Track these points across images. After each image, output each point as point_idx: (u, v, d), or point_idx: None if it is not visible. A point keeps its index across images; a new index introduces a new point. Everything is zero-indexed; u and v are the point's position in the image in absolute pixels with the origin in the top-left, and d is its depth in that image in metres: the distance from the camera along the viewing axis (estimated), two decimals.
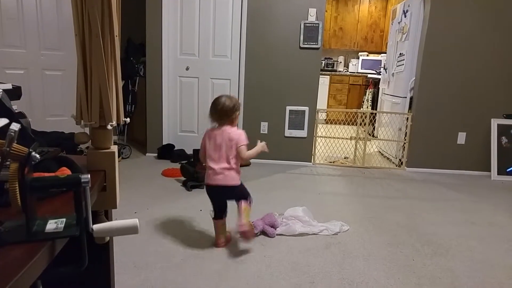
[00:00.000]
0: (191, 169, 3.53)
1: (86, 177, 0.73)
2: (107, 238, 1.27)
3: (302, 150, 4.58)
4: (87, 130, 1.15)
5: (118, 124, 1.18)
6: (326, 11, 7.68)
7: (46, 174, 0.86)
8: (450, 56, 4.31)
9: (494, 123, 4.41)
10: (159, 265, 2.15)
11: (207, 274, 2.09)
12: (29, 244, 0.66)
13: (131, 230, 0.82)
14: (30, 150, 0.69)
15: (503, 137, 4.40)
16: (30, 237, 0.68)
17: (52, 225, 0.72)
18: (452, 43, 4.29)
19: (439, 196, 3.65)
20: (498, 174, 4.35)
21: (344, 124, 4.81)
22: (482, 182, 4.22)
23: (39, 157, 0.70)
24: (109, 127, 1.11)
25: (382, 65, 6.12)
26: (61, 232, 0.71)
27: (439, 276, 2.18)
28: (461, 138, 4.47)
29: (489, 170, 4.40)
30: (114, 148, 1.15)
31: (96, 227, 0.78)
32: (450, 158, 4.51)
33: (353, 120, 4.78)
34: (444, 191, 3.84)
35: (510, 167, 4.37)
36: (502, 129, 4.41)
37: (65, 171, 0.94)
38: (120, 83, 1.16)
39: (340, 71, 8.32)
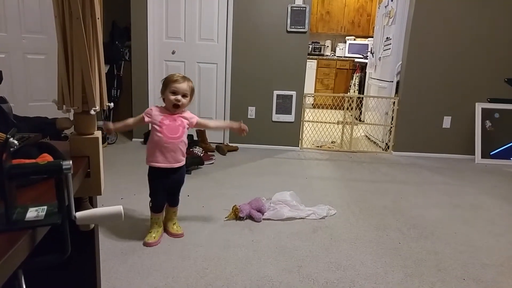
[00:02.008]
0: None
1: (68, 163, 0.70)
2: (92, 225, 1.25)
3: (290, 135, 4.58)
4: (70, 115, 1.12)
5: (103, 110, 1.15)
6: None
7: (27, 161, 0.84)
8: (436, 41, 4.32)
9: (479, 107, 4.46)
10: (146, 251, 2.14)
11: (194, 259, 2.09)
12: (9, 233, 0.65)
13: (115, 217, 0.80)
14: (8, 136, 0.67)
15: (487, 121, 4.46)
16: (9, 225, 0.66)
17: (32, 213, 0.70)
18: (438, 28, 4.29)
19: (425, 180, 3.70)
20: (482, 157, 4.42)
21: (331, 108, 4.81)
22: (467, 165, 4.28)
23: (17, 143, 0.68)
24: (92, 112, 1.08)
25: (369, 49, 6.12)
26: (42, 220, 0.69)
27: (424, 259, 2.22)
28: (447, 122, 4.52)
29: (473, 154, 4.46)
30: (98, 134, 1.13)
31: (79, 214, 0.77)
32: (436, 142, 4.56)
33: (340, 104, 4.78)
34: (430, 174, 3.88)
35: (493, 151, 4.43)
36: (486, 113, 4.46)
37: (46, 158, 0.92)
38: (103, 67, 1.13)
39: (327, 56, 8.30)
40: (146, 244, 2.18)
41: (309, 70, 7.10)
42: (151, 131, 2.16)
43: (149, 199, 2.27)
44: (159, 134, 2.11)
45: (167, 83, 2.12)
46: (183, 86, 2.10)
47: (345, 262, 2.13)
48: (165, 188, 2.25)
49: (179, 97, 2.10)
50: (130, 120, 2.20)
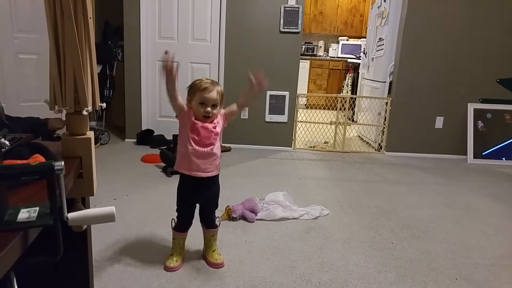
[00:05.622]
0: (170, 154, 3.49)
1: (60, 164, 0.70)
2: (85, 226, 1.24)
3: (283, 135, 4.58)
4: (63, 115, 1.11)
5: (96, 110, 1.14)
6: None
7: (18, 161, 0.83)
8: (429, 41, 4.35)
9: (471, 107, 4.49)
10: (140, 252, 2.13)
11: (188, 259, 2.08)
12: (0, 234, 0.64)
13: (108, 218, 0.79)
14: None
15: (479, 121, 4.49)
16: (0, 227, 0.66)
17: (24, 214, 0.70)
18: (431, 29, 4.32)
19: (417, 180, 3.72)
20: (474, 157, 4.45)
21: (324, 109, 4.82)
22: (459, 165, 4.31)
23: (8, 144, 0.67)
24: (84, 112, 1.07)
25: (362, 50, 6.14)
26: (34, 221, 0.68)
27: (417, 258, 2.23)
28: (439, 122, 4.54)
29: (466, 154, 4.49)
30: (90, 134, 1.12)
31: (71, 215, 0.76)
32: (428, 142, 4.59)
33: (333, 105, 4.79)
34: (422, 175, 3.90)
35: (485, 151, 4.47)
36: (478, 114, 4.50)
37: (38, 158, 0.91)
38: (96, 67, 1.12)
39: (320, 56, 8.32)
40: (167, 268, 1.98)
41: (302, 71, 7.11)
42: (180, 136, 1.91)
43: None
44: (190, 144, 1.85)
45: (194, 92, 1.85)
46: (213, 95, 1.82)
47: (338, 262, 2.14)
48: (195, 202, 2.05)
49: (209, 109, 1.83)
50: (179, 95, 1.85)
